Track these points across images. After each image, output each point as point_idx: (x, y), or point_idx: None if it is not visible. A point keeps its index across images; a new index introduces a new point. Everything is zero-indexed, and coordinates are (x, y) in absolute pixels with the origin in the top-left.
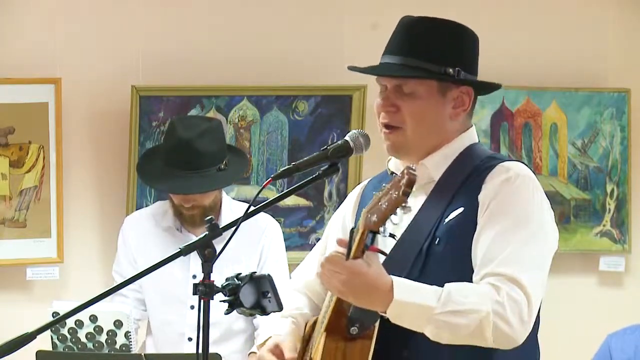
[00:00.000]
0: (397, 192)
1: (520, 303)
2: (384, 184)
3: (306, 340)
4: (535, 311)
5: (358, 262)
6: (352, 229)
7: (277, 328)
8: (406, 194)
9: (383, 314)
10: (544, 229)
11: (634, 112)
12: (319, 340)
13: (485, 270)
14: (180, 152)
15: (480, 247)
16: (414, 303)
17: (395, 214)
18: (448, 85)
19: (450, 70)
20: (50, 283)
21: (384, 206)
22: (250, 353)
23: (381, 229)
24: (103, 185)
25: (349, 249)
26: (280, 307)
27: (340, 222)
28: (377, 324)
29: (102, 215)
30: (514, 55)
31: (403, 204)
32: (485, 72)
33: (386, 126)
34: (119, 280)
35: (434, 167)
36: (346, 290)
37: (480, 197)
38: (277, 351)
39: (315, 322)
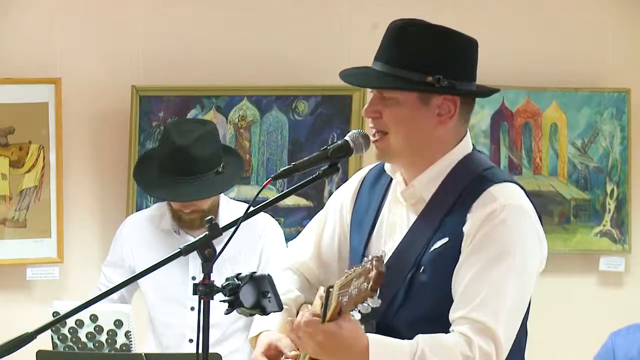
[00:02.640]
0: (365, 285)
1: (490, 355)
2: (357, 265)
3: None
4: (504, 356)
5: (332, 324)
6: (329, 288)
7: (268, 321)
8: (374, 290)
9: None
10: (524, 261)
11: (634, 112)
12: None
13: (461, 313)
14: (176, 159)
15: (459, 282)
16: None
17: (364, 303)
18: (430, 93)
19: (430, 78)
20: (50, 283)
21: (354, 293)
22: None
23: (352, 312)
24: (103, 185)
25: (325, 311)
26: (280, 307)
27: (339, 207)
28: None
29: (102, 215)
30: (514, 55)
31: (371, 297)
32: (485, 72)
33: (374, 133)
34: (103, 278)
35: (424, 187)
36: (322, 352)
37: (465, 229)
38: (271, 352)
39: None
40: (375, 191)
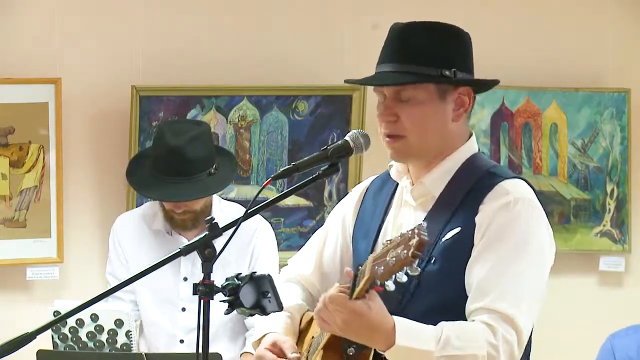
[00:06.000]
0: (406, 252)
1: (512, 344)
2: (398, 235)
3: (301, 333)
4: (524, 345)
5: (360, 302)
6: (358, 266)
7: (272, 324)
8: (415, 257)
9: (381, 353)
10: (541, 254)
11: (634, 112)
12: (316, 359)
13: (480, 304)
14: (170, 159)
15: (476, 275)
16: (413, 348)
17: (402, 271)
18: (447, 88)
19: (447, 72)
20: (50, 283)
21: (392, 262)
22: (243, 353)
23: (387, 282)
24: (103, 185)
25: (353, 288)
26: (280, 307)
27: (341, 220)
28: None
29: (102, 215)
30: (514, 55)
31: (410, 264)
32: (485, 72)
33: (388, 135)
34: (113, 282)
35: (433, 184)
36: (348, 329)
37: (477, 219)
38: (276, 350)
39: (312, 319)
40: (380, 198)
